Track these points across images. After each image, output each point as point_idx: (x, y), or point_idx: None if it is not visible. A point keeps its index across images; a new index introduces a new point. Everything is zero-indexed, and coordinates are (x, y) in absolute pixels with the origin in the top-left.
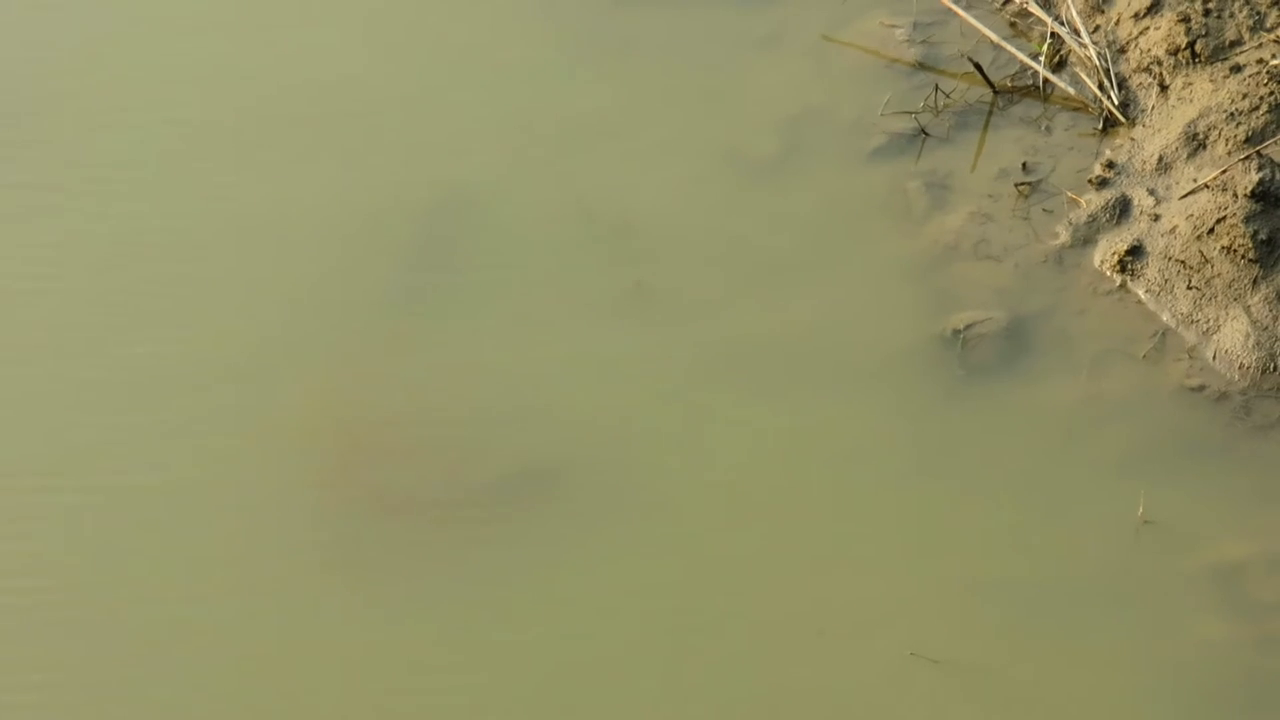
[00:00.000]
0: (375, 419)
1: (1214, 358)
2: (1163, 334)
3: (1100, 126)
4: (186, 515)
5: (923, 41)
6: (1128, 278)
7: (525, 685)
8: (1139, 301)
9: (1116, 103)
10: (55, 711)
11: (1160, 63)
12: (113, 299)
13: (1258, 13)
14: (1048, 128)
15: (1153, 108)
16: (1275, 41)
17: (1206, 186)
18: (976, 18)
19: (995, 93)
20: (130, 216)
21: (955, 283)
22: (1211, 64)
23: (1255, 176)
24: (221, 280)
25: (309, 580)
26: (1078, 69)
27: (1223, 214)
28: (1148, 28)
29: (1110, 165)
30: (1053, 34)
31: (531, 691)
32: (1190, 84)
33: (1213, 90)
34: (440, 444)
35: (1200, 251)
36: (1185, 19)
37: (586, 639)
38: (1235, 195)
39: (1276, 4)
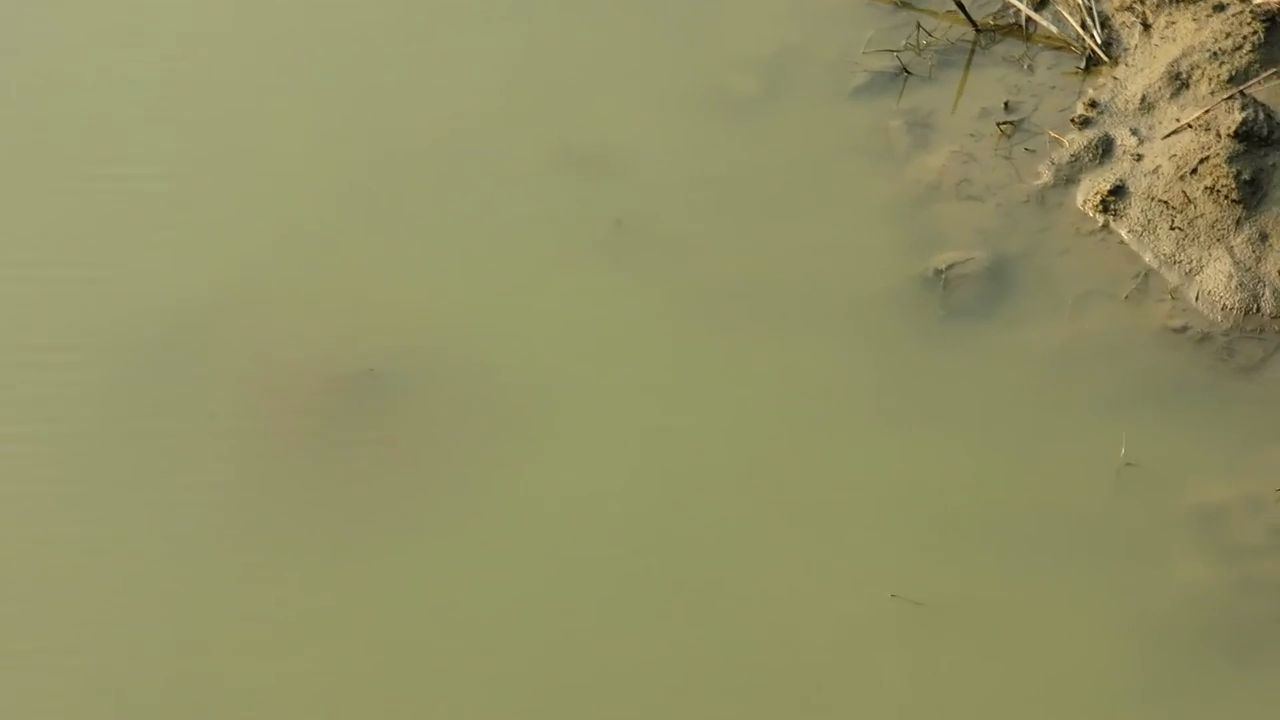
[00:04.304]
0: (325, 348)
1: (1196, 298)
2: (1145, 275)
3: (1083, 66)
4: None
5: None
6: (1110, 218)
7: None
8: (1121, 242)
9: (1099, 42)
10: None
11: (1143, 1)
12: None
13: None
14: (1030, 67)
15: (1135, 47)
16: None
17: (1189, 126)
18: None
19: (978, 31)
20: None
21: (937, 222)
22: (1195, 3)
23: (1238, 116)
24: (202, 200)
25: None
26: (1060, 7)
27: (1206, 154)
28: None
29: (1093, 105)
30: None
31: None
32: (1173, 23)
33: (1196, 29)
34: (400, 379)
35: (1183, 191)
36: None
37: (560, 586)
38: (1218, 135)
39: None
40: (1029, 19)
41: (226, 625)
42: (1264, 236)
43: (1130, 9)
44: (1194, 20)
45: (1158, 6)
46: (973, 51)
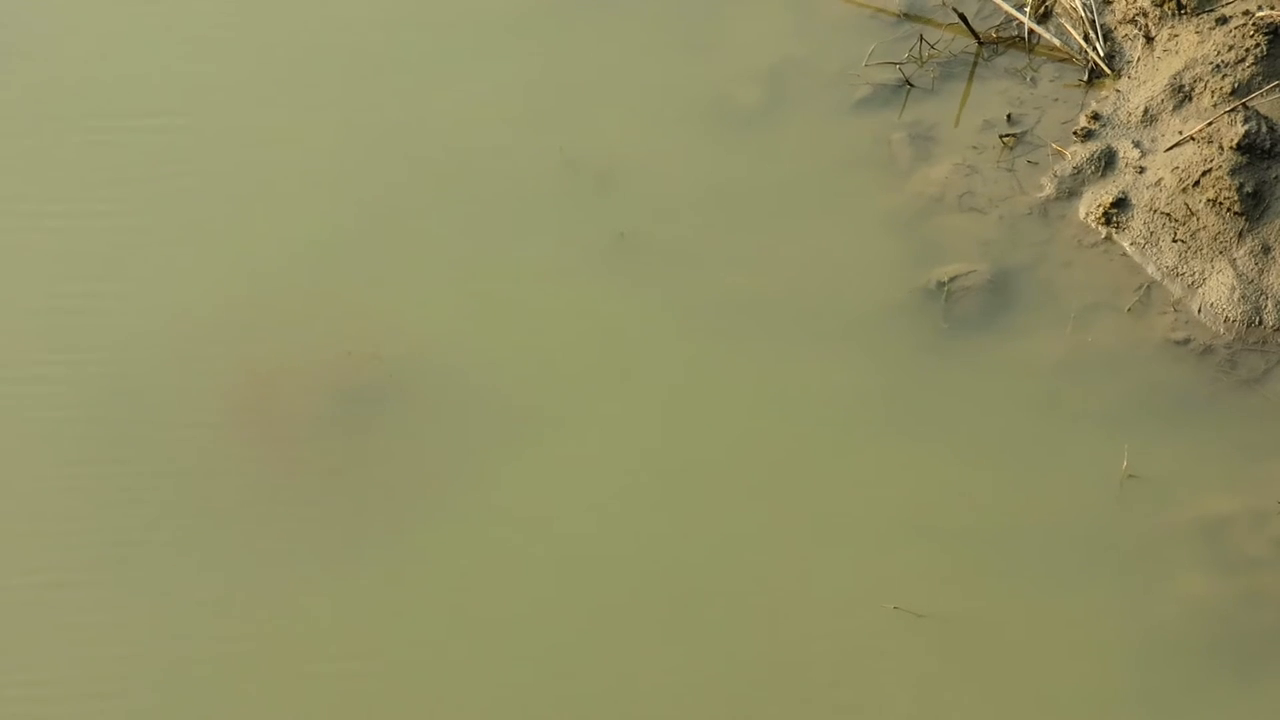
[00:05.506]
0: (328, 357)
1: (1199, 311)
2: (1148, 287)
3: (1085, 78)
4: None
5: None
6: (1113, 230)
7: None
8: (1124, 254)
9: (1102, 54)
10: None
11: (1146, 14)
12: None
13: None
14: (1033, 79)
15: (1138, 59)
16: None
17: (1192, 139)
18: None
19: (980, 44)
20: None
21: (939, 235)
22: (1197, 15)
23: (1241, 129)
24: (207, 209)
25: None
26: (1063, 20)
27: (1208, 166)
28: None
29: (1095, 117)
30: None
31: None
32: (1176, 36)
33: (1199, 42)
34: (402, 389)
35: (1186, 204)
36: None
37: (561, 596)
38: (1221, 148)
39: None
40: (1032, 31)
41: (223, 625)
42: (1266, 249)
43: (1133, 21)
44: (1196, 33)
45: (1161, 19)
46: (975, 64)
